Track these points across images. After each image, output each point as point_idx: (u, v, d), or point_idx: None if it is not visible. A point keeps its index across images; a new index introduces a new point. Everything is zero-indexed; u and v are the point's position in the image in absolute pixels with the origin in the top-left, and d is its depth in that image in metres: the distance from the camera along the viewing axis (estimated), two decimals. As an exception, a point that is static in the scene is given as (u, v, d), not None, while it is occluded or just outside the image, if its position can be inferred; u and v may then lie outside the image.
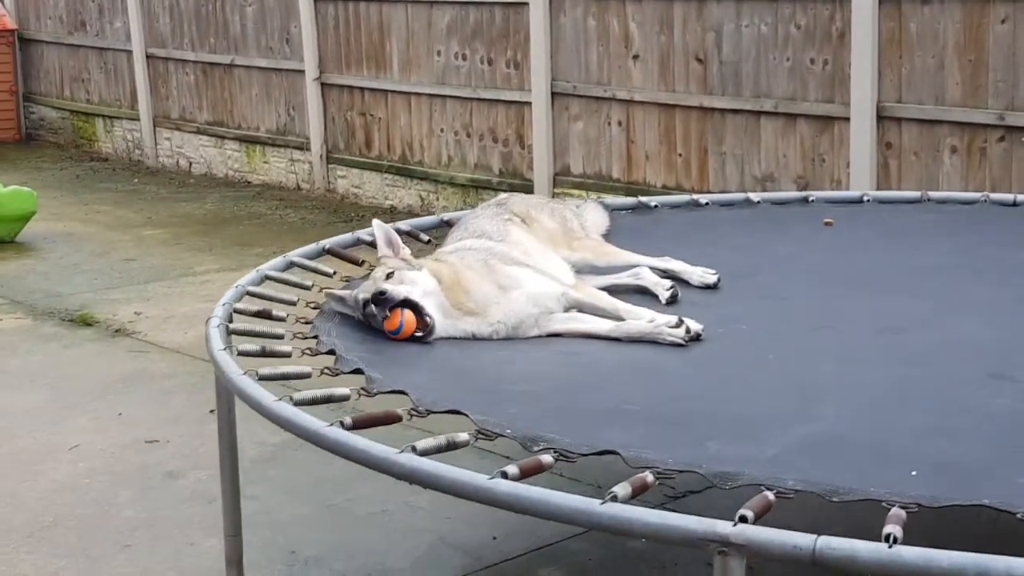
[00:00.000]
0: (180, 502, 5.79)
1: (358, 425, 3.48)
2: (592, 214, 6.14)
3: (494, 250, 5.04)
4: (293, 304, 4.87)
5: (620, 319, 4.66)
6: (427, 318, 4.43)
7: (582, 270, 5.42)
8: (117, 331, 8.43)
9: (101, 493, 5.89)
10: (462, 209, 12.12)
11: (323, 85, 13.26)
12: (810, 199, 6.74)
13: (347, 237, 5.75)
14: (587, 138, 11.11)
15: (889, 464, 3.26)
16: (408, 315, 4.38)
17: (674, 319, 4.49)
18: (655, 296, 5.15)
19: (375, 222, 4.87)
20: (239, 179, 14.30)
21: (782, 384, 3.99)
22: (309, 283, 5.09)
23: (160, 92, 15.40)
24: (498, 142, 11.84)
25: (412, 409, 3.64)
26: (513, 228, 5.34)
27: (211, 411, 4.04)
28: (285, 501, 5.70)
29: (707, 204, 6.65)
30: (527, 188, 11.51)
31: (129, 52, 15.62)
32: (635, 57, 10.61)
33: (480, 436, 3.44)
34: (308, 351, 4.28)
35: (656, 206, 6.60)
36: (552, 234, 5.49)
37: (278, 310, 4.77)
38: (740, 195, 6.91)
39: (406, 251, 4.76)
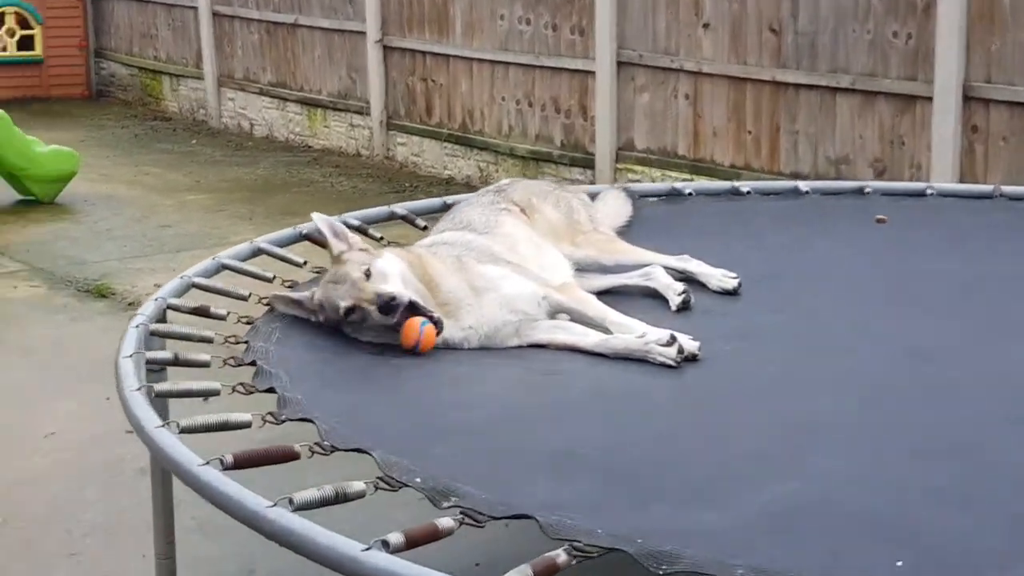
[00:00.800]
0: (145, 503, 5.27)
1: (240, 464, 2.90)
2: (611, 203, 5.49)
3: (473, 244, 4.42)
4: (244, 299, 4.31)
5: (607, 331, 4.03)
6: (435, 317, 3.88)
7: (587, 268, 4.79)
8: (131, 304, 7.96)
9: (64, 490, 5.42)
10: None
11: (385, 48, 12.69)
12: (866, 190, 6.01)
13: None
14: (652, 111, 10.41)
15: (875, 546, 2.60)
16: (428, 327, 3.81)
17: (666, 335, 3.84)
18: (667, 300, 4.51)
19: (315, 216, 4.24)
20: (299, 143, 13.82)
21: (772, 425, 3.34)
22: (271, 275, 4.52)
23: (225, 51, 14.96)
24: (560, 113, 11.18)
25: (316, 443, 3.06)
26: (506, 219, 4.71)
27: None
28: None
29: (748, 193, 5.96)
30: (588, 162, 10.87)
31: (195, 9, 15.21)
32: (705, 25, 9.88)
33: (382, 485, 2.85)
34: (232, 361, 3.71)
35: (690, 194, 5.92)
36: (555, 227, 4.85)
37: (224, 306, 4.22)
38: (788, 183, 6.21)
39: (357, 240, 4.17)
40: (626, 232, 5.30)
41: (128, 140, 14.14)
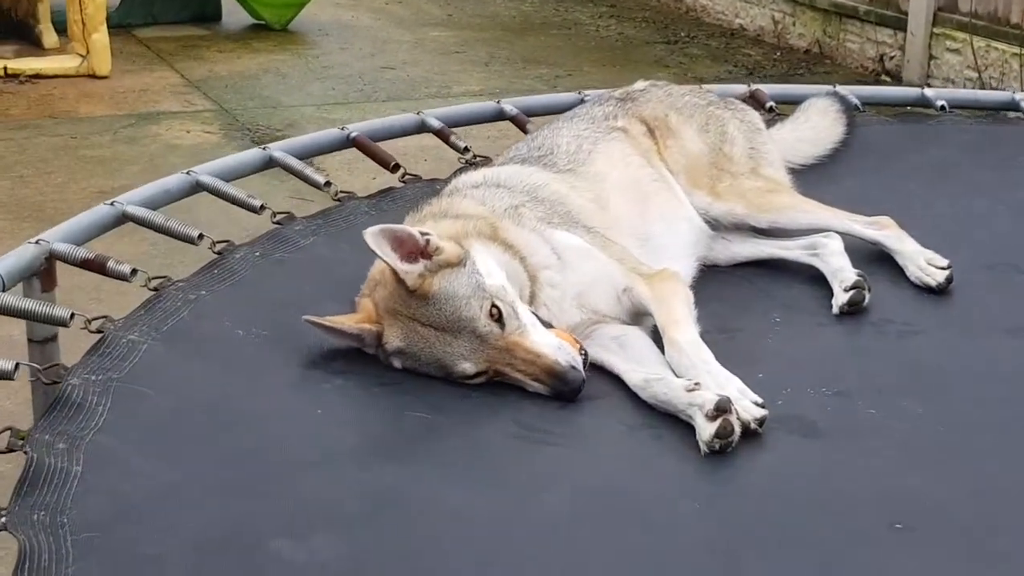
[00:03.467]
0: None
1: None
2: (812, 120, 3.83)
3: (541, 191, 2.94)
4: (194, 243, 2.99)
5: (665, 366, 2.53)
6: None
7: (730, 229, 3.24)
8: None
9: None
10: (817, 43, 9.69)
11: None
12: None
13: (397, 120, 3.77)
14: (982, -34, 8.36)
15: None
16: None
17: (712, 404, 2.30)
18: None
19: (367, 235, 2.48)
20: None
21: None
22: (258, 203, 3.18)
23: None
24: (873, -41, 9.23)
25: None
26: (608, 150, 3.19)
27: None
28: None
29: (1033, 113, 4.14)
30: (899, 23, 8.94)
31: None
32: None
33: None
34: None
35: (943, 108, 4.15)
36: (694, 162, 3.28)
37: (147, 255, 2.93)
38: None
39: (435, 239, 2.54)
40: (816, 170, 3.67)
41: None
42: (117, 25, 9.40)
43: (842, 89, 4.12)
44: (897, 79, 8.97)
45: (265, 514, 1.96)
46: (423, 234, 2.51)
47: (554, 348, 2.48)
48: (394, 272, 2.49)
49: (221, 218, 3.99)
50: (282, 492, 2.01)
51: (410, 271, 2.49)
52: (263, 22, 9.75)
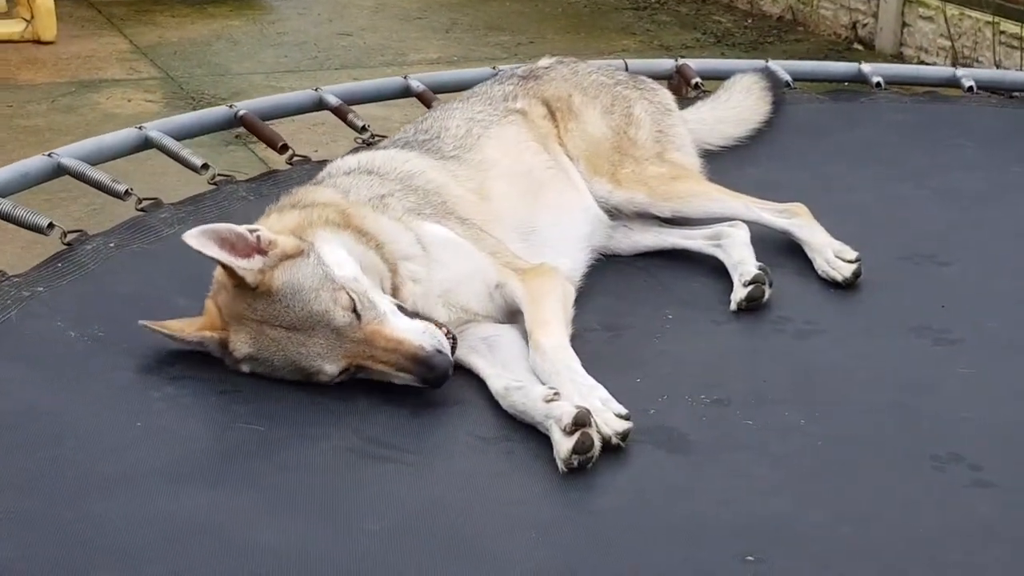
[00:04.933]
0: None
1: None
2: (735, 97, 3.64)
3: (415, 180, 2.75)
4: (43, 233, 2.77)
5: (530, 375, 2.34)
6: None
7: (631, 217, 3.05)
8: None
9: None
10: (790, 9, 9.43)
11: None
12: None
13: (292, 97, 3.56)
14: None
15: None
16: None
17: (570, 417, 2.12)
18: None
19: (187, 237, 2.27)
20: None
21: None
22: (122, 188, 2.96)
23: None
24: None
25: None
26: (503, 132, 2.99)
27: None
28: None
29: (972, 89, 3.93)
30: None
31: None
32: None
33: None
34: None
35: (879, 85, 3.94)
36: (596, 146, 3.09)
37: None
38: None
39: (265, 233, 2.34)
40: (736, 151, 3.48)
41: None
42: (70, -12, 9.15)
43: (773, 64, 3.93)
44: (870, 47, 8.74)
45: (38, 546, 1.78)
46: (251, 230, 2.32)
47: (418, 332, 2.30)
48: (231, 273, 2.30)
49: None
50: (61, 522, 1.83)
51: (247, 267, 2.29)
52: (222, -15, 9.48)
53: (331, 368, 2.30)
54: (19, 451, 2.00)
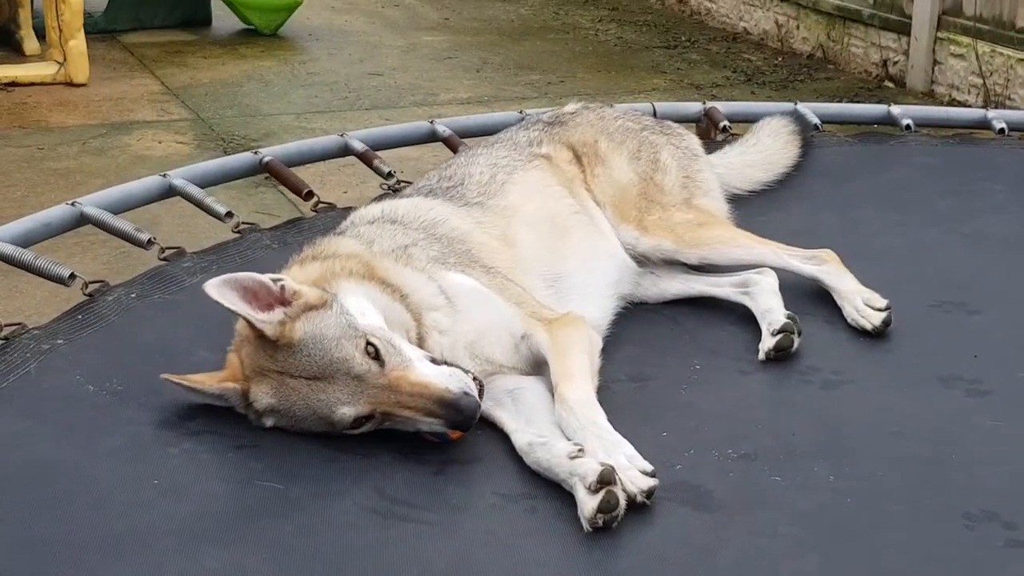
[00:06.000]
0: None
1: None
2: (763, 142, 3.60)
3: (439, 229, 2.73)
4: (65, 284, 2.76)
5: (555, 430, 2.31)
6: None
7: (658, 264, 3.01)
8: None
9: None
10: (821, 47, 9.40)
11: None
12: None
13: (318, 143, 3.55)
14: (986, -32, 8.09)
15: None
16: None
17: (595, 475, 2.08)
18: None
19: (208, 288, 2.26)
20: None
21: None
22: (145, 237, 2.95)
23: None
24: (875, -37, 8.97)
25: None
26: (528, 177, 2.97)
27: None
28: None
29: (1003, 132, 3.88)
30: (903, 27, 8.68)
31: None
32: None
33: None
34: None
35: (908, 127, 3.90)
36: (622, 192, 3.06)
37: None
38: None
39: (289, 283, 2.33)
40: (763, 196, 3.44)
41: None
42: (103, 30, 9.23)
43: (801, 107, 3.89)
44: (901, 85, 8.70)
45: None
46: (275, 280, 2.30)
47: (444, 376, 2.27)
48: (252, 325, 2.28)
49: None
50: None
51: (267, 320, 2.27)
52: (253, 27, 9.56)
53: (351, 412, 2.26)
54: (32, 510, 1.98)
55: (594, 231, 2.97)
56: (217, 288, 2.23)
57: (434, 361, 2.34)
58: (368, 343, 2.27)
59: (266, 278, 2.29)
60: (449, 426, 2.25)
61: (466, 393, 2.24)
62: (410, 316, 2.45)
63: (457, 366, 2.35)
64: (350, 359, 2.25)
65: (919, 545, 2.05)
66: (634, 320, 2.88)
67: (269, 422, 2.32)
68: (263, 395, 2.29)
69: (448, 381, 2.25)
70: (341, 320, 2.30)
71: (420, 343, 2.44)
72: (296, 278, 2.37)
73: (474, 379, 2.32)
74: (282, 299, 2.29)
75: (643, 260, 3.00)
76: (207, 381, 2.33)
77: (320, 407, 2.27)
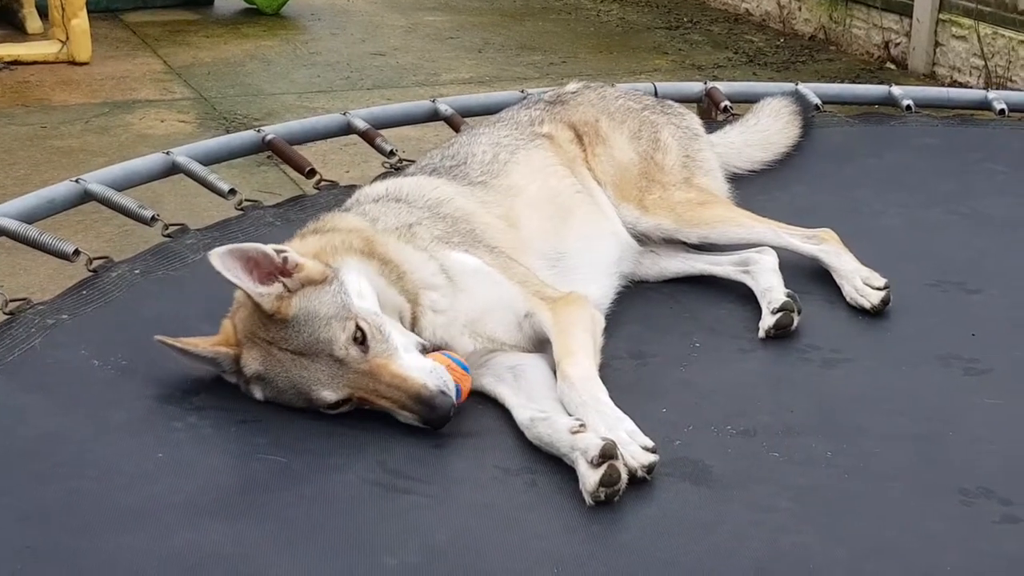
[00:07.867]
0: None
1: None
2: (763, 122, 3.62)
3: (443, 208, 2.74)
4: (69, 259, 2.78)
5: (557, 406, 2.33)
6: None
7: (658, 243, 3.03)
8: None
9: None
10: (823, 28, 9.40)
11: None
12: None
13: (320, 121, 3.57)
14: (988, -51, 8.08)
15: None
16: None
17: (596, 449, 2.10)
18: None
19: (211, 256, 2.30)
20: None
21: None
22: (148, 213, 2.97)
23: None
24: (878, -55, 8.95)
25: None
26: (529, 158, 2.98)
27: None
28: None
29: (1004, 113, 3.89)
30: (905, 9, 8.66)
31: None
32: None
33: None
34: None
35: (909, 108, 3.91)
36: (623, 171, 3.08)
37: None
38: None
39: (293, 255, 2.35)
40: (764, 175, 3.46)
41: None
42: (105, 9, 9.22)
43: (803, 87, 3.90)
44: (903, 67, 8.70)
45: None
46: (279, 251, 2.32)
47: (424, 372, 2.28)
48: (250, 295, 2.30)
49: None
50: (79, 554, 1.82)
51: (266, 293, 2.29)
52: (255, 7, 9.55)
53: (330, 396, 2.28)
54: (38, 482, 2.00)
55: (595, 210, 2.99)
56: (220, 258, 2.26)
57: (424, 349, 2.36)
58: (357, 327, 2.28)
59: (270, 248, 2.31)
60: (422, 422, 2.27)
61: (443, 392, 2.26)
62: (404, 297, 2.47)
63: (449, 350, 2.38)
64: (335, 341, 2.27)
65: (916, 521, 2.07)
66: (635, 298, 2.90)
67: (257, 392, 2.33)
68: (252, 361, 2.32)
69: (427, 377, 2.27)
70: (337, 299, 2.31)
71: (414, 322, 2.46)
72: (296, 250, 2.39)
73: (462, 368, 2.33)
74: (284, 270, 2.31)
75: (644, 239, 3.02)
76: (200, 344, 2.35)
77: (301, 383, 2.29)
